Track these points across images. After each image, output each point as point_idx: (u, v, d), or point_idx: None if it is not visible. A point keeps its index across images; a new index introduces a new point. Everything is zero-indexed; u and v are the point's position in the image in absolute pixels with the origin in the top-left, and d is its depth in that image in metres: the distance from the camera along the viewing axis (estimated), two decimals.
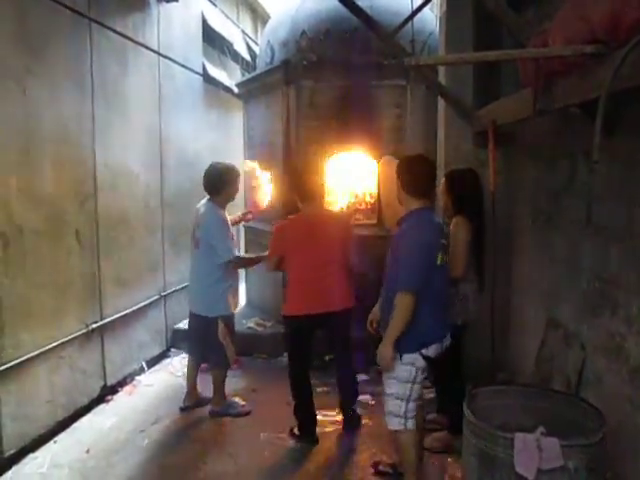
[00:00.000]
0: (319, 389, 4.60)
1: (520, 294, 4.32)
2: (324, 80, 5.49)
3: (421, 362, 2.87)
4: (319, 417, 3.99)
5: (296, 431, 3.88)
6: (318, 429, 3.91)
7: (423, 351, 2.86)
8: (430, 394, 4.04)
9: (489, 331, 3.75)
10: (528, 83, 2.91)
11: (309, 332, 3.85)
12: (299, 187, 3.83)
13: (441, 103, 4.70)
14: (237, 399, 4.45)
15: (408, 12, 4.53)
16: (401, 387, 2.88)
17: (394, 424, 2.95)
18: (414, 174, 2.99)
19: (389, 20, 5.01)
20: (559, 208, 3.53)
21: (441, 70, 4.77)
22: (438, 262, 2.91)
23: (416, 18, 4.64)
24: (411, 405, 2.91)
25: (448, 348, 3.06)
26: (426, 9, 5.13)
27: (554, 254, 3.61)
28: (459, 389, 3.43)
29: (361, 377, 4.89)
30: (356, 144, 5.50)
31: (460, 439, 3.21)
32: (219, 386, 4.29)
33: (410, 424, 2.92)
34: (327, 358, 5.12)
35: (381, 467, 3.37)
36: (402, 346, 2.83)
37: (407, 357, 2.85)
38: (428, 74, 4.26)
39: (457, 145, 4.56)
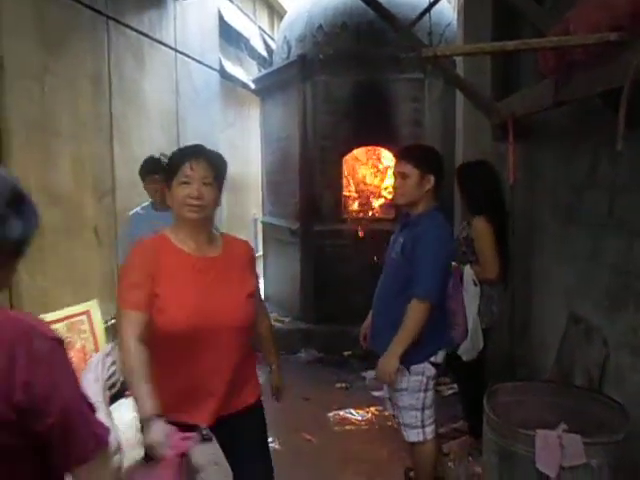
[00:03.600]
0: (337, 385, 4.60)
1: (540, 289, 4.26)
2: (340, 74, 5.45)
3: (431, 370, 2.69)
4: (341, 414, 3.98)
5: None
6: (337, 427, 3.90)
7: (432, 359, 2.69)
8: (449, 390, 4.01)
9: (508, 327, 3.71)
10: (548, 73, 2.85)
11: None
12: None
13: (459, 96, 4.64)
14: None
15: (425, 4, 4.48)
16: (413, 398, 2.71)
17: (413, 436, 2.77)
18: None
19: (406, 12, 4.97)
20: (580, 201, 3.46)
21: (459, 63, 4.71)
22: (450, 268, 2.79)
23: (433, 10, 4.59)
24: (427, 412, 2.74)
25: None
26: (443, 1, 5.08)
27: (575, 248, 3.54)
28: (481, 393, 3.35)
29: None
30: (373, 139, 5.47)
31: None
32: None
33: (429, 432, 2.76)
34: (345, 354, 5.13)
35: (412, 474, 3.17)
36: (410, 358, 2.61)
37: (415, 368, 2.66)
38: (446, 66, 4.20)
39: (476, 139, 4.50)
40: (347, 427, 3.94)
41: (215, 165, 2.04)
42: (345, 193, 5.70)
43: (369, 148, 5.65)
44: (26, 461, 1.06)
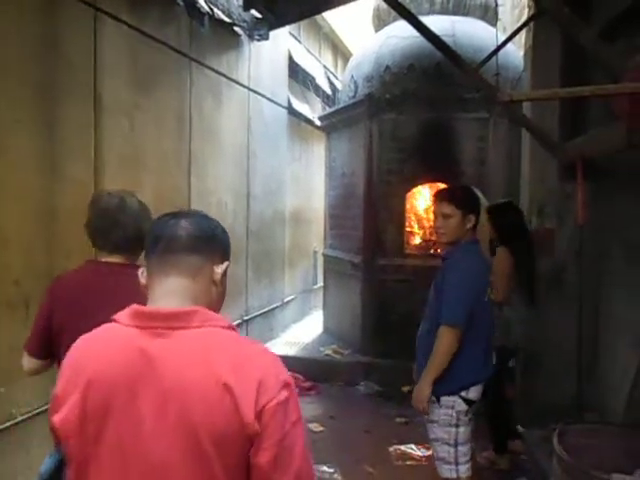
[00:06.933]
0: (397, 419, 4.61)
1: (609, 333, 4.18)
2: (407, 113, 5.60)
3: (462, 405, 2.60)
4: (401, 448, 3.99)
5: None
6: (398, 462, 3.91)
7: (462, 394, 2.61)
8: None
9: (577, 368, 3.65)
10: (622, 117, 2.88)
11: None
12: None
13: (526, 135, 4.68)
14: (314, 425, 4.51)
15: (492, 47, 4.58)
16: (444, 432, 2.63)
17: (445, 472, 2.66)
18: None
19: (472, 55, 5.09)
20: None
21: (526, 102, 4.76)
22: (485, 298, 2.74)
23: (501, 52, 4.68)
24: (462, 449, 2.62)
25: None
26: (510, 45, 5.16)
27: None
28: (502, 409, 3.69)
29: None
30: (437, 176, 5.55)
31: (505, 458, 3.61)
32: None
33: (463, 471, 2.62)
34: (406, 390, 5.12)
35: None
36: (439, 388, 2.58)
37: (445, 400, 2.60)
38: (514, 107, 4.27)
39: (542, 178, 4.51)
40: (408, 462, 3.93)
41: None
42: (408, 229, 5.77)
43: (433, 185, 5.72)
44: None
